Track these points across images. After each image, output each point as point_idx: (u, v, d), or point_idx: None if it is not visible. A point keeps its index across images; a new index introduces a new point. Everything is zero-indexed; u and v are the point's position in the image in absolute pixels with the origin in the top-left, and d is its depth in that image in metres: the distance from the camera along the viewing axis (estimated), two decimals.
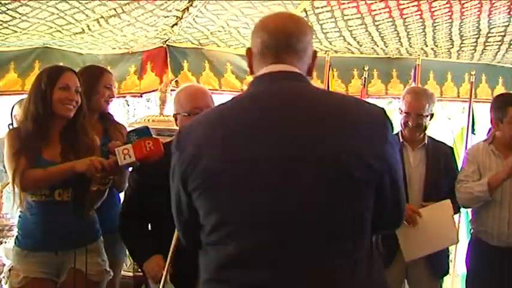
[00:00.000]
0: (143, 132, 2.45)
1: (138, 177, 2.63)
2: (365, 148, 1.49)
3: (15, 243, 2.75)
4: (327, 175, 1.46)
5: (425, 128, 3.32)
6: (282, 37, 1.63)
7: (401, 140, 3.32)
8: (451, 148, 3.54)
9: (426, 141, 3.34)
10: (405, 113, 3.30)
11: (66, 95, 2.64)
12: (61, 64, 3.92)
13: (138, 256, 2.71)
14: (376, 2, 3.85)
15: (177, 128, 2.71)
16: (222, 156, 1.51)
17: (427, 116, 3.30)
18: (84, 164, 2.49)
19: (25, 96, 3.61)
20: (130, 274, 4.04)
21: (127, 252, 3.71)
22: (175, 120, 2.70)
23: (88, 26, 4.00)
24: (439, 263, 3.33)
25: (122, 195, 3.29)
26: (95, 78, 3.13)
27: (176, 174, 1.60)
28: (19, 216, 2.74)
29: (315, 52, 1.72)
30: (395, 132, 3.38)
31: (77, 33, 4.13)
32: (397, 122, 3.37)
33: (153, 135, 2.47)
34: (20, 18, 3.64)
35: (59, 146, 2.67)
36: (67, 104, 2.64)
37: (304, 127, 1.50)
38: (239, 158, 1.50)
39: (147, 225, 2.69)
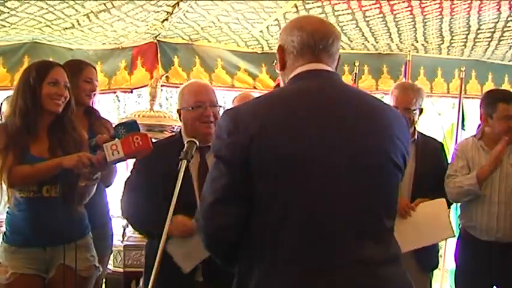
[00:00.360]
0: (131, 126, 2.44)
1: (141, 167, 2.63)
2: (401, 144, 1.74)
3: (3, 239, 2.73)
4: (372, 165, 1.68)
5: (414, 122, 3.33)
6: (320, 38, 1.78)
7: None
8: (441, 144, 3.54)
9: (416, 137, 3.35)
10: (394, 107, 3.32)
11: (56, 90, 2.62)
12: (50, 59, 3.91)
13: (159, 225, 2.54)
14: None
15: (180, 123, 2.74)
16: (272, 149, 1.61)
17: (415, 110, 3.30)
18: (72, 160, 2.46)
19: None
20: (121, 270, 4.04)
21: (113, 248, 3.71)
22: (179, 115, 2.72)
23: (78, 21, 3.99)
24: (428, 257, 3.32)
25: (108, 190, 3.29)
26: (74, 72, 3.07)
27: (232, 159, 1.64)
28: (7, 213, 2.71)
29: (339, 56, 1.88)
30: None
31: (66, 28, 4.12)
32: None
33: (141, 129, 2.46)
34: (8, 12, 3.62)
35: (46, 141, 2.65)
36: (56, 99, 2.62)
37: (350, 123, 1.69)
38: (286, 152, 1.61)
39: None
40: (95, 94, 3.32)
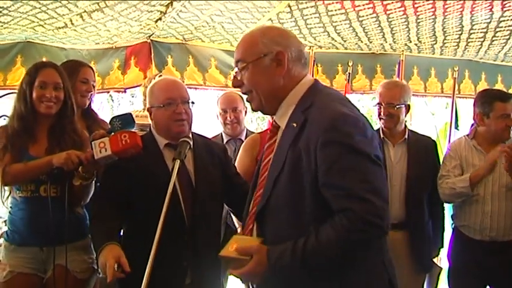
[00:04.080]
0: (126, 118, 2.45)
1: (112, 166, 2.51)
2: None
3: (4, 237, 2.75)
4: None
5: (399, 119, 3.30)
6: None
7: (381, 136, 3.32)
8: (434, 141, 3.54)
9: (407, 136, 3.34)
10: (378, 104, 3.33)
11: (43, 93, 2.62)
12: (44, 59, 3.89)
13: (95, 244, 2.40)
14: None
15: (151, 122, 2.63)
16: None
17: (400, 106, 3.28)
18: (61, 157, 2.47)
19: (7, 91, 3.58)
20: None
21: None
22: (150, 114, 2.61)
23: (71, 21, 3.97)
24: (422, 260, 3.32)
25: None
26: (71, 73, 3.04)
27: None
28: (9, 212, 2.74)
29: None
30: (376, 128, 3.34)
31: (59, 27, 4.10)
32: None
33: (134, 129, 2.45)
34: (1, 11, 3.60)
35: (46, 142, 2.67)
36: (45, 101, 2.63)
37: None
38: None
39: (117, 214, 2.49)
40: (92, 95, 3.28)
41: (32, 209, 2.63)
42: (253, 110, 2.06)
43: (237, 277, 1.92)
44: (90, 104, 3.32)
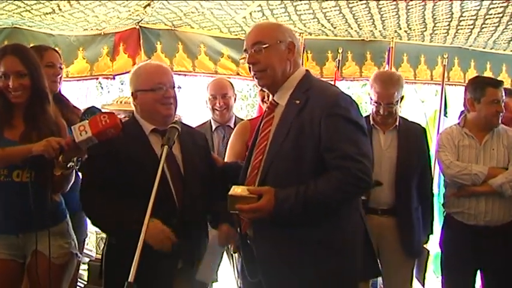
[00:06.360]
0: (91, 111, 2.50)
1: (99, 152, 2.46)
2: None
3: None
4: None
5: (396, 112, 3.34)
6: None
7: (371, 123, 3.33)
8: (423, 128, 3.54)
9: (398, 123, 3.35)
10: (375, 102, 3.33)
11: (7, 83, 2.55)
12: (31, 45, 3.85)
13: (129, 226, 2.22)
14: None
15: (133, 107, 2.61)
16: None
17: (397, 101, 3.30)
18: (41, 145, 2.41)
19: None
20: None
21: (96, 235, 3.65)
22: (135, 98, 2.57)
23: (58, 6, 3.93)
24: (412, 246, 3.34)
25: None
26: None
27: None
28: None
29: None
30: (365, 115, 3.29)
31: (47, 13, 4.06)
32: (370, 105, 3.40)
33: (124, 116, 2.45)
34: None
35: (22, 127, 2.61)
36: (11, 91, 2.56)
37: None
38: None
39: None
40: (60, 78, 3.22)
41: (5, 195, 2.57)
42: (261, 86, 2.45)
43: (242, 213, 2.21)
44: (59, 88, 3.24)
